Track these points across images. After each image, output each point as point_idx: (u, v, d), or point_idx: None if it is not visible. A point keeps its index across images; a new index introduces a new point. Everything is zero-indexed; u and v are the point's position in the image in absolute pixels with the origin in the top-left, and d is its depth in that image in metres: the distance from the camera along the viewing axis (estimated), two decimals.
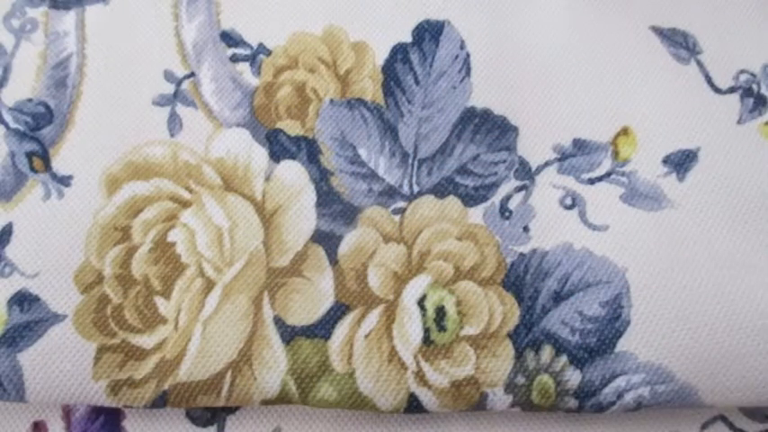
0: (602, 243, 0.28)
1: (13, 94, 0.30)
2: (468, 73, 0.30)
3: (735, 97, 0.30)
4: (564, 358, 0.27)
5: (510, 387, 0.26)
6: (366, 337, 0.27)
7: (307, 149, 0.29)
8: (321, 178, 0.29)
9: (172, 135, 0.29)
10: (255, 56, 0.30)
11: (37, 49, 0.30)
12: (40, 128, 0.29)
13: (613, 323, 0.27)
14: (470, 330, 0.27)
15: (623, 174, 0.29)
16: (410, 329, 0.27)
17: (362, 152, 0.29)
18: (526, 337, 0.27)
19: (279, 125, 0.29)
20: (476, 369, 0.26)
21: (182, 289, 0.27)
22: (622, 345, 0.27)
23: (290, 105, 0.30)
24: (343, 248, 0.28)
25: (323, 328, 0.27)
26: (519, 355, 0.27)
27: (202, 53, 0.30)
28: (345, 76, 0.30)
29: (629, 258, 0.27)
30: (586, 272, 0.27)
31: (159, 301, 0.27)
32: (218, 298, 0.27)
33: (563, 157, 0.29)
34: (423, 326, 0.27)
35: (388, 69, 0.30)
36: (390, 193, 0.29)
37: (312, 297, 0.27)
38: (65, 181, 0.29)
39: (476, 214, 0.28)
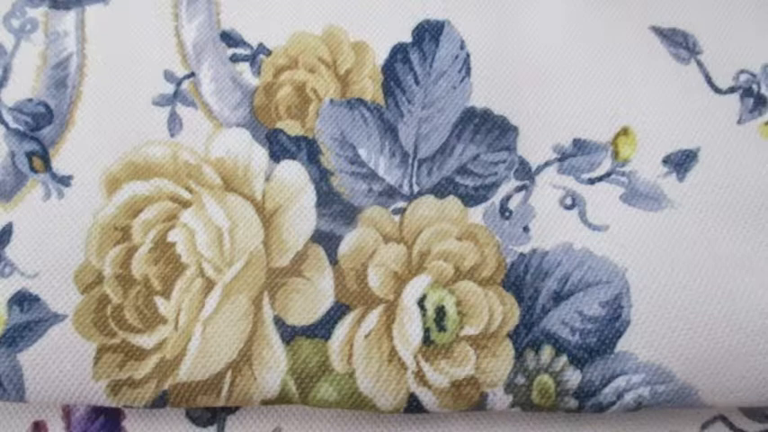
0: (602, 243, 0.28)
1: (13, 94, 0.30)
2: (468, 73, 0.30)
3: (735, 97, 0.30)
4: (564, 358, 0.27)
5: (510, 387, 0.26)
6: (366, 337, 0.27)
7: (307, 149, 0.29)
8: (321, 178, 0.29)
9: (172, 135, 0.29)
10: (255, 56, 0.30)
11: (37, 49, 0.30)
12: (40, 128, 0.29)
13: (613, 323, 0.27)
14: (470, 330, 0.27)
15: (623, 174, 0.29)
16: (410, 329, 0.27)
17: (362, 152, 0.29)
18: (526, 337, 0.27)
19: (279, 125, 0.29)
20: (476, 369, 0.26)
21: (182, 289, 0.27)
22: (622, 345, 0.27)
23: (290, 105, 0.30)
24: (343, 248, 0.28)
25: (323, 328, 0.27)
26: (519, 355, 0.27)
27: (202, 53, 0.30)
28: (345, 76, 0.30)
29: (629, 258, 0.27)
30: (586, 272, 0.27)
31: (159, 301, 0.27)
32: (219, 298, 0.27)
33: (563, 157, 0.29)
34: (423, 326, 0.27)
35: (388, 69, 0.30)
36: (390, 193, 0.29)
37: (312, 297, 0.27)
38: (65, 181, 0.29)
39: (476, 214, 0.28)
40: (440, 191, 0.29)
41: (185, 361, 0.26)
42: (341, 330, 0.27)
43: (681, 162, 0.29)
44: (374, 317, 0.27)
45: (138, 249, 0.28)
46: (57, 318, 0.27)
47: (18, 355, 0.26)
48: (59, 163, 0.29)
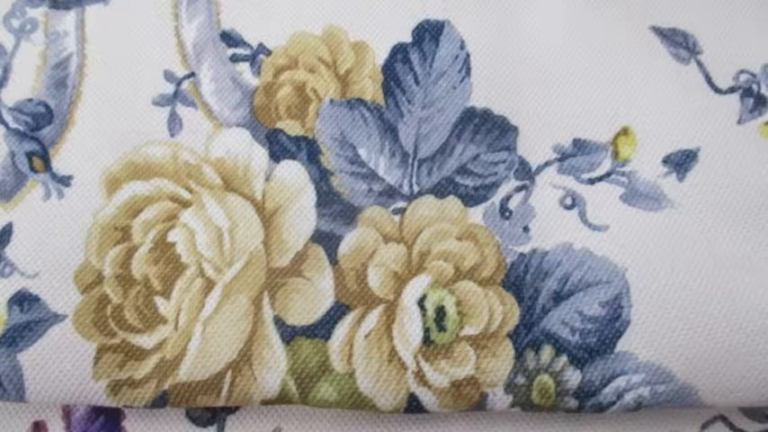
0: (602, 243, 0.28)
1: (13, 94, 0.30)
2: (468, 73, 0.30)
3: (735, 97, 0.30)
4: (564, 358, 0.27)
5: (510, 387, 0.26)
6: (366, 337, 0.27)
7: (307, 149, 0.29)
8: (321, 178, 0.29)
9: (172, 135, 0.29)
10: (255, 56, 0.30)
11: (37, 49, 0.30)
12: (40, 128, 0.29)
13: (613, 323, 0.27)
14: (470, 330, 0.27)
15: (623, 174, 0.29)
16: (410, 329, 0.27)
17: (362, 152, 0.29)
18: (526, 337, 0.27)
19: (279, 125, 0.29)
20: (476, 369, 0.26)
21: (182, 289, 0.27)
22: (622, 345, 0.27)
23: (290, 105, 0.30)
24: (343, 248, 0.28)
25: (323, 328, 0.27)
26: (519, 355, 0.27)
27: (202, 53, 0.30)
28: (345, 76, 0.30)
29: (629, 258, 0.27)
30: (586, 272, 0.27)
31: (159, 301, 0.27)
32: (219, 298, 0.27)
33: (563, 157, 0.29)
34: (423, 326, 0.27)
35: (388, 69, 0.30)
36: (390, 193, 0.29)
37: (312, 297, 0.27)
38: (65, 181, 0.29)
39: (476, 214, 0.28)
40: (440, 191, 0.29)
41: (185, 361, 0.26)
42: (341, 330, 0.27)
43: (681, 162, 0.29)
44: (374, 317, 0.27)
45: (138, 249, 0.28)
46: (57, 318, 0.27)
47: (18, 355, 0.26)
48: (59, 163, 0.29)
